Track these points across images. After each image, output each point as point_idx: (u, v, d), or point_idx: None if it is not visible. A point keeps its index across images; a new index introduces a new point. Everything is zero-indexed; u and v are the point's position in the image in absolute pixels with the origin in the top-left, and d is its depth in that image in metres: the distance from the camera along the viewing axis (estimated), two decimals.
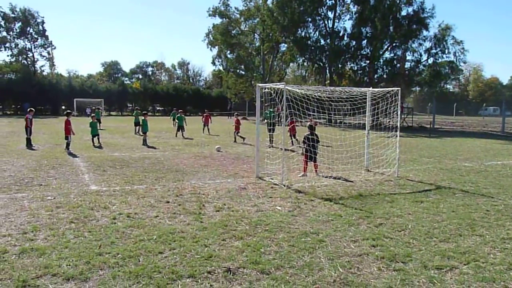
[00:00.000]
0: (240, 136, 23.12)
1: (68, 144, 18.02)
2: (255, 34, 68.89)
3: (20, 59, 74.92)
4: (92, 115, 23.19)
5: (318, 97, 13.51)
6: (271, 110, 19.54)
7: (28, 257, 5.67)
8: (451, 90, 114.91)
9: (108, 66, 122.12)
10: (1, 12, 70.01)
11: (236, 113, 26.23)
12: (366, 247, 6.29)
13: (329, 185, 11.15)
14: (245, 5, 65.90)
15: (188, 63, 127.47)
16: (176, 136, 26.34)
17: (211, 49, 72.21)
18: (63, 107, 68.76)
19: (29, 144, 18.74)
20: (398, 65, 51.35)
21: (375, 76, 51.11)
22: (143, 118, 21.95)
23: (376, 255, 5.99)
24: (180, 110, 29.84)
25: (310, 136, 12.36)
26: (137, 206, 8.45)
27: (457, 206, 8.95)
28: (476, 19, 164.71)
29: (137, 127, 28.26)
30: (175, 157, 16.45)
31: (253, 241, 6.43)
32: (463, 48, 48.07)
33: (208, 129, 29.62)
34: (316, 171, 12.58)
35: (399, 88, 13.26)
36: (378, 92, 13.82)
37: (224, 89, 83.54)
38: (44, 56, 77.68)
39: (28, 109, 19.85)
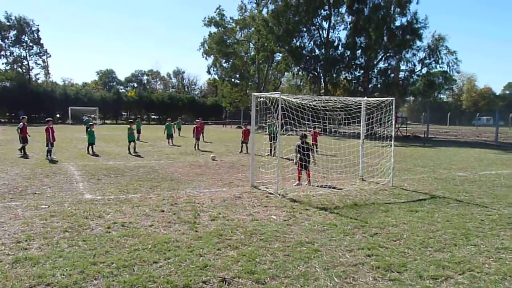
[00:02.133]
0: (247, 147, 22.51)
1: (48, 152, 17.99)
2: (250, 43, 69.13)
3: (15, 67, 74.79)
4: (90, 123, 23.15)
5: (313, 106, 13.55)
6: (273, 121, 19.51)
7: (22, 266, 5.62)
8: (444, 100, 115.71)
9: (103, 74, 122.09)
10: None
11: (245, 123, 25.98)
12: (361, 257, 6.29)
13: (324, 194, 11.15)
14: (241, 14, 66.27)
15: (184, 72, 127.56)
16: (168, 144, 26.58)
17: (206, 58, 72.34)
18: (58, 115, 68.57)
19: (24, 153, 18.61)
20: (392, 75, 51.62)
21: (370, 86, 51.35)
22: (129, 126, 22.05)
23: (371, 264, 5.99)
24: (168, 119, 30.04)
25: (302, 145, 12.39)
26: (132, 215, 8.41)
27: (451, 215, 8.98)
28: (469, 30, 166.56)
29: (139, 135, 29.29)
30: (170, 165, 16.40)
31: (248, 251, 6.41)
32: (456, 58, 48.46)
33: (200, 139, 29.32)
34: (308, 180, 12.60)
35: (393, 98, 13.33)
36: (373, 101, 13.89)
37: (219, 98, 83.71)
38: (39, 64, 77.69)
39: (21, 117, 19.81)
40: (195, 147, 23.78)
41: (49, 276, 5.31)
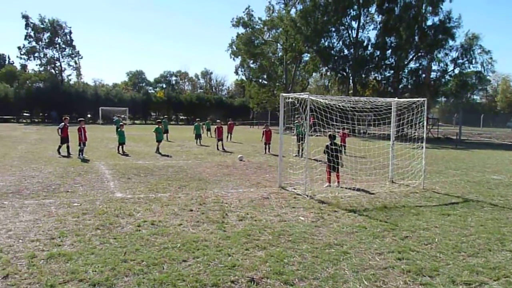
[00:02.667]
0: (269, 147, 22.57)
1: (80, 151, 18.42)
2: (278, 44, 69.15)
3: (48, 68, 76.90)
4: (121, 123, 23.61)
5: (342, 107, 13.43)
6: (301, 121, 19.42)
7: (56, 262, 5.79)
8: (478, 101, 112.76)
9: (133, 75, 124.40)
10: (31, 23, 72.12)
11: (266, 124, 26.00)
12: (391, 260, 6.20)
13: (353, 196, 11.05)
14: (269, 15, 66.37)
15: (211, 73, 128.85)
16: (196, 144, 26.91)
17: (234, 59, 72.87)
18: (89, 115, 70.24)
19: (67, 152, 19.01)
20: (424, 75, 50.68)
21: (400, 86, 50.53)
22: (157, 126, 22.49)
23: (402, 268, 5.90)
24: (197, 119, 30.25)
25: (331, 146, 12.27)
26: (161, 214, 8.54)
27: (485, 220, 8.75)
28: (504, 29, 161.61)
29: (166, 135, 29.94)
30: (198, 165, 16.57)
31: (277, 252, 6.42)
32: (491, 58, 47.23)
33: (227, 139, 29.66)
34: (338, 181, 12.49)
35: (425, 99, 13.09)
36: (404, 102, 13.67)
37: (246, 99, 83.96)
38: (71, 66, 79.49)
39: (63, 117, 20.34)
40: (217, 148, 23.84)
41: (82, 272, 5.46)
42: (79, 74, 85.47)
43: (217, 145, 24.10)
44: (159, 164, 16.57)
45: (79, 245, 6.51)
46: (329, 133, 12.63)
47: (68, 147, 19.09)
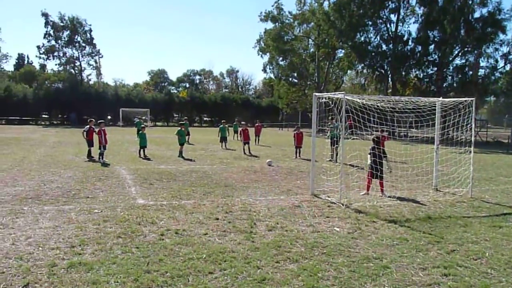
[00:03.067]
0: (300, 151, 22.45)
1: (100, 155, 18.80)
2: (310, 39, 68.92)
3: (67, 68, 78.98)
4: (143, 126, 23.97)
5: (380, 107, 13.27)
6: (336, 123, 19.28)
7: (77, 271, 5.93)
8: None
9: (155, 74, 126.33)
10: (51, 21, 74.29)
11: (297, 126, 25.92)
12: (436, 276, 6.08)
13: (393, 205, 10.89)
14: (299, 9, 66.20)
15: (237, 71, 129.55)
16: (221, 147, 27.13)
17: (262, 56, 72.83)
18: (109, 117, 71.77)
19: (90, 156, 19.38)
20: (470, 72, 49.67)
21: (444, 85, 49.61)
22: (180, 129, 22.74)
23: (448, 285, 5.78)
24: (223, 121, 30.34)
25: (373, 151, 12.07)
26: (185, 222, 8.63)
27: None
28: None
29: (188, 137, 30.25)
30: (224, 171, 16.67)
31: (310, 265, 6.38)
32: None
33: (255, 142, 29.79)
34: (382, 189, 12.30)
35: (472, 98, 12.80)
36: (449, 102, 13.41)
37: (275, 99, 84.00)
38: (91, 65, 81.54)
39: (89, 119, 20.85)
40: (244, 152, 23.89)
41: (103, 282, 5.57)
42: (99, 74, 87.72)
43: (244, 149, 24.19)
44: (182, 169, 16.75)
45: (100, 254, 6.64)
46: (373, 136, 12.44)
47: (89, 151, 19.52)
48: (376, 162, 11.90)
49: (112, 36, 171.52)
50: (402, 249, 7.24)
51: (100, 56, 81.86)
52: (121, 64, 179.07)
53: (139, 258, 6.48)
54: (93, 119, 20.99)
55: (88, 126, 19.99)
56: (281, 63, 71.60)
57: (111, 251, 6.79)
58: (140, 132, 22.09)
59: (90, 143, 19.68)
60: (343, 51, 62.06)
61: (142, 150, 21.18)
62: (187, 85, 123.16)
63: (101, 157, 18.78)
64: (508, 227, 8.85)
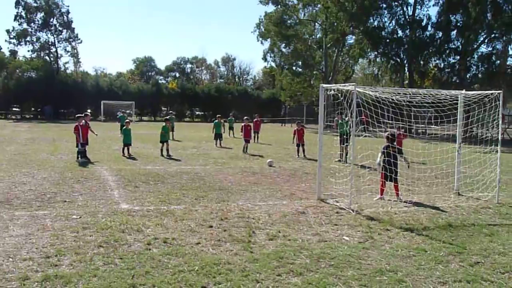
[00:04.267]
0: (303, 149, 22.57)
1: (79, 153, 18.76)
2: (316, 24, 69.00)
3: (42, 54, 78.92)
4: (126, 121, 23.94)
5: (395, 101, 13.30)
6: (345, 119, 19.33)
7: (52, 285, 5.94)
8: None
9: (141, 63, 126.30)
10: (23, 1, 74.16)
11: (298, 121, 25.98)
12: None
13: (409, 211, 10.93)
14: None
15: (234, 59, 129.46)
16: (216, 145, 27.29)
17: (262, 42, 72.99)
18: (89, 111, 71.69)
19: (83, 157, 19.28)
20: (498, 61, 49.74)
21: (468, 76, 49.70)
22: (164, 125, 22.84)
23: None
24: (218, 115, 30.37)
25: (387, 150, 12.09)
26: (175, 230, 8.65)
27: None
28: None
29: (172, 133, 31.07)
30: (218, 172, 16.69)
31: (316, 278, 6.41)
32: None
33: (255, 139, 29.89)
34: (397, 193, 12.34)
35: (500, 91, 12.82)
36: (473, 95, 13.43)
37: (277, 90, 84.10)
38: (68, 51, 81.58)
39: (84, 114, 20.81)
40: (244, 151, 23.96)
41: None
42: (77, 62, 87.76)
43: (244, 147, 24.25)
44: (172, 170, 16.78)
45: (79, 265, 6.66)
46: (387, 133, 12.43)
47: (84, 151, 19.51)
48: (390, 163, 11.93)
49: (92, 19, 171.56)
50: (420, 260, 7.27)
51: (79, 41, 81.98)
52: (103, 50, 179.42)
53: (123, 270, 6.49)
54: (88, 113, 20.94)
55: (84, 121, 19.87)
56: (284, 50, 71.73)
57: (92, 262, 6.80)
58: (124, 127, 22.05)
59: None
60: (353, 37, 62.03)
61: (126, 148, 21.19)
62: (177, 75, 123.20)
63: (79, 156, 18.78)
64: None
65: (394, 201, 12.06)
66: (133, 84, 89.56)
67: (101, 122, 57.47)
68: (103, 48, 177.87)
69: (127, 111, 56.72)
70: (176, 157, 20.89)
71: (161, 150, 21.69)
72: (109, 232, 8.39)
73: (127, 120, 24.43)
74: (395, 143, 12.32)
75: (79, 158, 18.59)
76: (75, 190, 12.42)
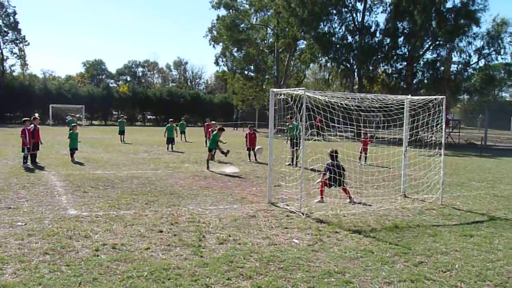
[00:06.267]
0: (255, 153, 22.63)
1: (25, 158, 18.25)
2: (268, 28, 69.44)
3: None
4: (73, 125, 23.39)
5: (345, 105, 13.55)
6: (295, 123, 19.54)
7: None
8: (507, 99, 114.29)
9: (91, 66, 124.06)
10: None
11: (250, 125, 26.08)
12: None
13: (357, 214, 11.13)
14: None
15: (186, 63, 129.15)
16: (167, 150, 27.26)
17: (214, 46, 72.77)
18: (37, 115, 69.62)
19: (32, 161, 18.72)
20: (442, 68, 51.30)
21: (414, 81, 51.09)
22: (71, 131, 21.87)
23: None
24: (170, 120, 30.31)
25: (332, 168, 12.25)
26: (124, 236, 8.51)
27: None
28: None
29: (122, 136, 33.21)
30: (170, 176, 16.55)
31: (265, 281, 6.44)
32: None
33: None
34: (349, 196, 12.54)
35: (443, 96, 13.26)
36: (418, 100, 13.82)
37: (229, 95, 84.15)
38: (15, 54, 79.18)
39: (32, 117, 20.18)
40: (249, 158, 22.86)
41: None
42: (24, 64, 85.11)
43: (249, 155, 23.12)
44: (122, 175, 16.51)
45: (23, 273, 6.45)
46: (330, 150, 12.52)
47: (34, 155, 19.03)
48: (332, 179, 12.12)
49: (40, 20, 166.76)
50: (367, 262, 7.42)
51: (26, 43, 79.66)
52: (51, 53, 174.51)
53: (70, 278, 6.34)
54: (37, 117, 20.44)
55: (33, 125, 19.35)
56: (236, 54, 71.79)
57: (37, 270, 6.61)
58: (71, 131, 21.41)
59: (36, 146, 19.21)
60: (305, 42, 62.77)
61: (72, 153, 20.55)
62: (128, 78, 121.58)
63: (25, 160, 18.22)
64: (480, 236, 9.23)
65: (349, 202, 12.27)
66: (83, 88, 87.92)
67: (49, 126, 55.97)
68: (52, 51, 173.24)
69: (77, 115, 55.36)
70: (125, 161, 20.55)
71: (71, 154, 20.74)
72: (55, 238, 8.18)
73: (74, 124, 23.89)
74: (337, 160, 12.47)
75: (26, 163, 18.05)
76: (21, 196, 12.04)
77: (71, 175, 16.12)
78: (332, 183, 12.24)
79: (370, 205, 12.13)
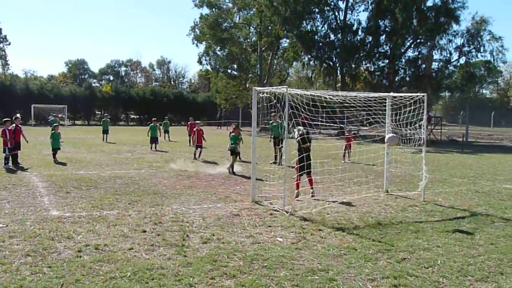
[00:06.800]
0: (200, 152, 22.81)
1: (6, 159, 18.05)
2: (251, 27, 69.37)
3: None
4: (55, 124, 23.14)
5: (327, 103, 13.58)
6: (279, 121, 19.56)
7: None
8: (488, 96, 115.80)
9: (73, 65, 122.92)
10: None
11: (234, 124, 26.00)
12: (386, 287, 6.30)
13: (341, 211, 11.17)
14: None
15: (169, 62, 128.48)
16: (151, 149, 27.19)
17: (197, 45, 72.52)
18: (18, 115, 68.77)
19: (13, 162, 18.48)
20: (424, 65, 51.71)
21: (396, 79, 51.47)
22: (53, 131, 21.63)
23: None
24: (153, 119, 30.06)
25: (303, 136, 12.42)
26: (107, 236, 8.44)
27: (496, 237, 8.98)
28: None
29: (105, 135, 33.57)
30: (153, 176, 16.47)
31: (248, 280, 6.43)
32: (502, 46, 48.52)
33: (192, 141, 29.73)
34: (311, 187, 12.66)
35: (425, 94, 13.36)
36: (400, 98, 13.91)
37: (212, 93, 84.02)
38: None
39: (14, 117, 19.90)
40: (195, 157, 22.80)
41: None
42: (5, 64, 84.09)
43: (195, 153, 22.99)
44: (105, 175, 16.39)
45: (4, 276, 6.36)
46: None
47: (16, 155, 18.86)
48: (302, 158, 12.26)
49: (21, 20, 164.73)
50: (350, 259, 7.44)
51: (7, 43, 78.79)
52: (33, 52, 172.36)
53: (52, 279, 6.26)
54: (18, 117, 20.18)
55: (14, 125, 19.12)
56: (219, 53, 71.70)
57: (18, 272, 6.52)
58: (53, 131, 21.19)
59: (17, 146, 18.98)
60: (288, 40, 62.85)
61: (54, 153, 20.33)
62: (111, 78, 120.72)
63: (6, 161, 17.99)
64: (461, 232, 9.31)
65: (311, 197, 12.43)
66: (65, 88, 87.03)
67: (31, 127, 55.35)
68: (33, 50, 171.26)
69: (60, 115, 54.83)
70: (108, 161, 20.40)
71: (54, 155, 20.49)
72: (37, 240, 8.08)
73: (55, 124, 23.65)
74: (307, 135, 12.62)
75: (7, 164, 17.83)
76: (2, 198, 11.87)
77: (54, 175, 15.96)
78: (303, 164, 12.31)
79: (353, 203, 12.16)
